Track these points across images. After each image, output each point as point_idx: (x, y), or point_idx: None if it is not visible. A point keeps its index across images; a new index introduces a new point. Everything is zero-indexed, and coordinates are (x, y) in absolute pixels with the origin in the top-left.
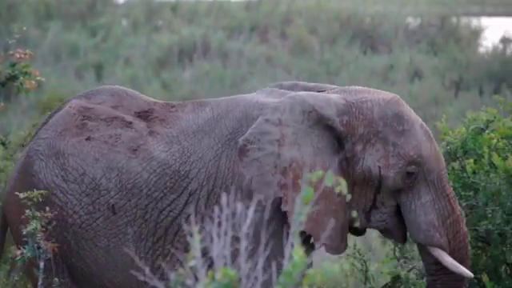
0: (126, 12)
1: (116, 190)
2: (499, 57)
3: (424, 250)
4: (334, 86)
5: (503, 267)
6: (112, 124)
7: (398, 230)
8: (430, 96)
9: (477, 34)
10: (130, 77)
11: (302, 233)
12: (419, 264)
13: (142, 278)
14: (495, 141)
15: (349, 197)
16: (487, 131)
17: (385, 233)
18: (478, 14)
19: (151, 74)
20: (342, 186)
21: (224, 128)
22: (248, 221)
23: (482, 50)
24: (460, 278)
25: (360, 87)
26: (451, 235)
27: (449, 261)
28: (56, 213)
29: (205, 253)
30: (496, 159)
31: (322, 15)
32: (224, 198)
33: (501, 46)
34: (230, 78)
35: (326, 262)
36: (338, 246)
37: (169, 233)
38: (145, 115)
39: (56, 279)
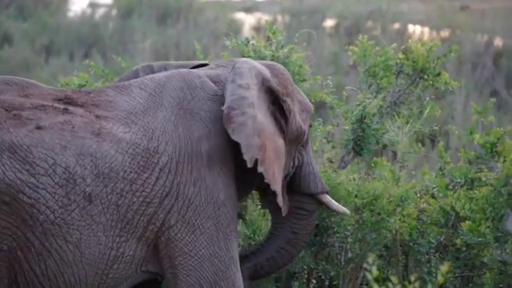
0: None
1: (92, 177)
2: (88, 21)
3: (311, 199)
4: (207, 61)
5: None
6: (49, 112)
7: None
8: (20, 61)
9: None
10: None
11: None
12: None
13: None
14: None
15: None
16: None
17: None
18: None
19: None
20: None
21: (170, 99)
22: None
23: (71, 14)
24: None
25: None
26: None
27: (336, 203)
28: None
29: None
30: None
31: None
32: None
33: (89, 11)
34: None
35: None
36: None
37: (136, 215)
38: (71, 102)
39: None
